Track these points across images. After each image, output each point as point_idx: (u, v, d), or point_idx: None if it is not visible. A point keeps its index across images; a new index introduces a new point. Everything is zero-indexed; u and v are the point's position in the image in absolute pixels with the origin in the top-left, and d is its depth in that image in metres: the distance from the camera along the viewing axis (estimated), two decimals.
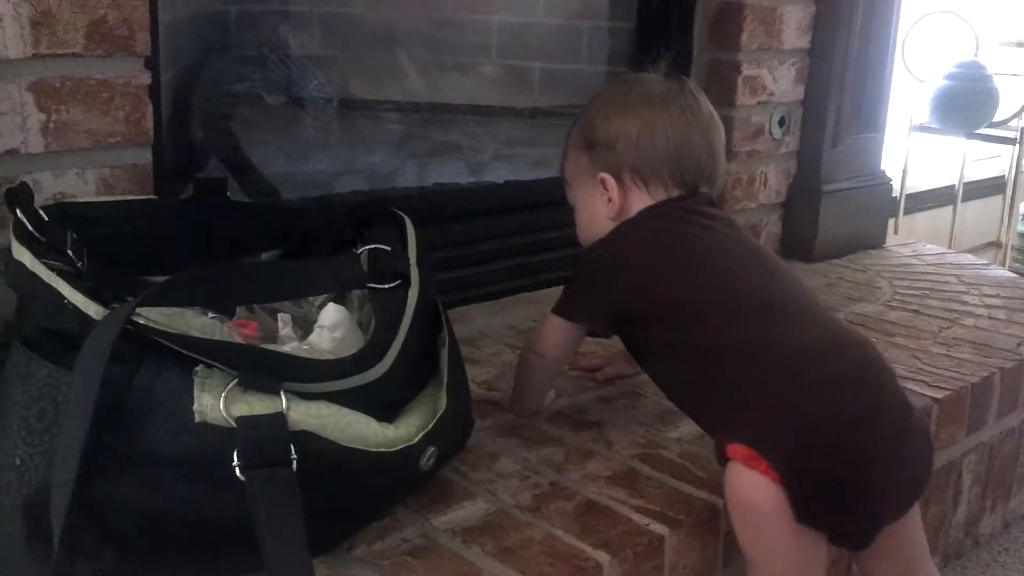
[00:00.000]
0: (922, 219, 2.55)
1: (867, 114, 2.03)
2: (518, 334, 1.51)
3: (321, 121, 1.59)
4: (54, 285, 0.85)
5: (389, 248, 1.01)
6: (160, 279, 1.07)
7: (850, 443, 0.95)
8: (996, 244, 2.70)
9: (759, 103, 1.87)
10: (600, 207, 1.14)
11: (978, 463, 1.44)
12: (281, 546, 0.79)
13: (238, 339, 0.92)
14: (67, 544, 0.77)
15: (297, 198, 1.42)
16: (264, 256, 1.15)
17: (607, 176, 1.12)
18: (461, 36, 1.82)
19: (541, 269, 1.70)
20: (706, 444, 1.17)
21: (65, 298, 0.84)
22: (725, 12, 1.82)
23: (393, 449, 0.86)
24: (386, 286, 0.97)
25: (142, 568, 0.85)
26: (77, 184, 1.12)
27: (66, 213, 1.01)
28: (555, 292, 1.68)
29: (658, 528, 1.00)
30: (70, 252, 0.93)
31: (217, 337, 0.89)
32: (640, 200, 1.12)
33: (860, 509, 0.96)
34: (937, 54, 2.42)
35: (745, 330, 1.01)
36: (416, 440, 0.88)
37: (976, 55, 2.41)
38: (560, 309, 1.13)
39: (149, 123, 1.16)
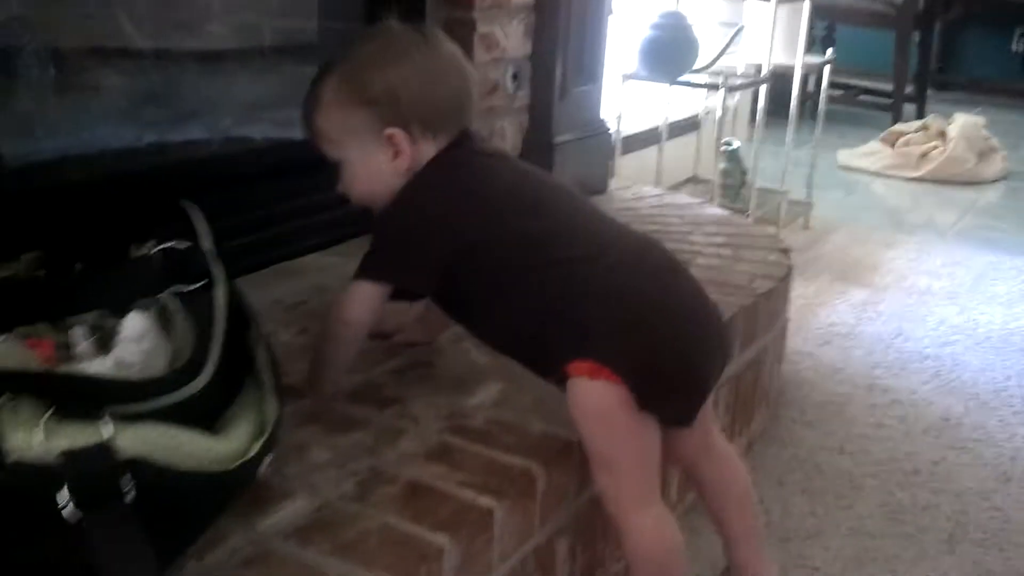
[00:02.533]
0: (630, 159, 2.71)
1: (588, 67, 2.12)
2: (287, 309, 1.46)
3: (39, 88, 1.42)
4: None
5: (185, 245, 0.94)
6: None
7: (678, 333, 1.08)
8: (694, 180, 2.92)
9: (493, 60, 1.89)
10: (383, 164, 1.13)
11: (728, 393, 1.57)
12: None
13: (36, 362, 0.83)
14: None
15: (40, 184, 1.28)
16: (23, 258, 1.03)
17: (396, 131, 1.11)
18: None
19: (295, 237, 1.64)
20: (507, 407, 1.20)
21: None
22: None
23: (233, 466, 0.82)
24: (190, 287, 0.91)
25: None
26: None
27: None
28: (316, 259, 1.67)
29: (485, 501, 1.02)
30: None
31: (17, 361, 0.79)
32: (427, 149, 1.13)
33: (690, 390, 1.10)
34: (643, 4, 2.56)
35: (570, 250, 1.09)
36: (254, 453, 0.84)
37: (677, 5, 2.57)
38: (371, 272, 1.11)
39: None
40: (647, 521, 1.09)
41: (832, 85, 4.69)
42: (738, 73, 2.70)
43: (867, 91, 5.05)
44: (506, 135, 1.97)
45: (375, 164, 1.13)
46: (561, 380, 1.07)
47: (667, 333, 1.07)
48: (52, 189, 1.32)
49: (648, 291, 1.09)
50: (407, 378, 1.27)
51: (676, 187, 2.77)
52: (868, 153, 3.97)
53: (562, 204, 1.15)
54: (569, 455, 1.14)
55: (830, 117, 3.16)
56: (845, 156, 3.98)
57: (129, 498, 0.75)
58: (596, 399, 1.05)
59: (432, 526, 0.96)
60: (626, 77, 2.51)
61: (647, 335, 1.06)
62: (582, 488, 1.17)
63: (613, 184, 2.31)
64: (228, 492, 0.85)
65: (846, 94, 4.99)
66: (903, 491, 1.60)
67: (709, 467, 1.22)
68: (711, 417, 1.22)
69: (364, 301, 1.12)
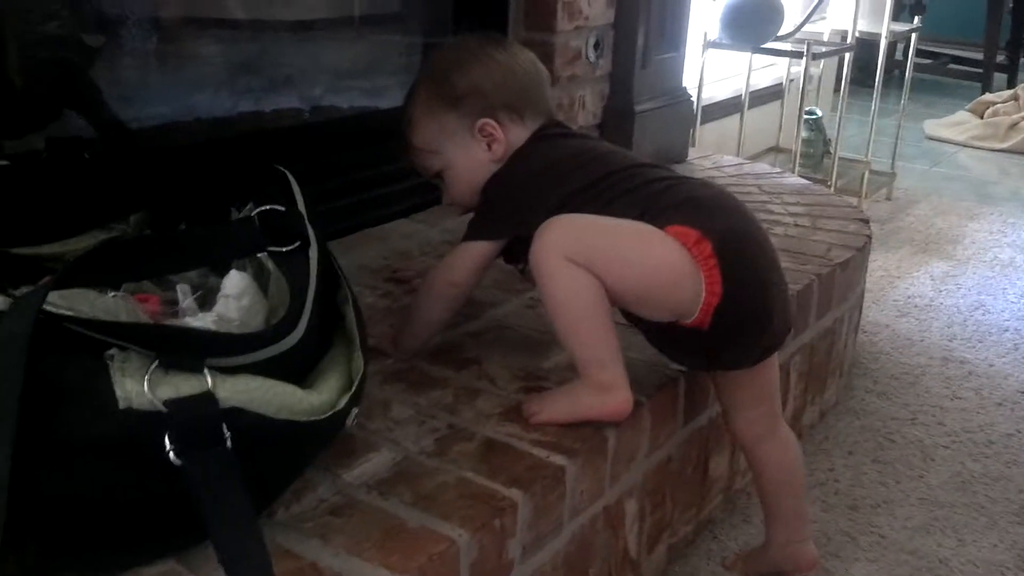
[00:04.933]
0: (711, 128, 2.71)
1: (670, 35, 2.13)
2: (372, 273, 1.52)
3: (145, 61, 1.50)
4: None
5: (283, 208, 0.99)
6: (25, 251, 1.03)
7: (761, 264, 1.11)
8: (776, 149, 2.91)
9: (576, 28, 1.91)
10: (481, 155, 1.20)
11: (802, 362, 1.59)
12: (230, 526, 0.80)
13: (144, 316, 0.89)
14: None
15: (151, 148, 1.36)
16: (132, 219, 1.10)
17: (486, 120, 1.19)
18: None
19: (382, 204, 1.70)
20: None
21: None
22: None
23: (324, 416, 0.87)
24: (286, 248, 0.96)
25: (70, 559, 0.83)
26: None
27: None
28: (400, 225, 1.73)
29: (558, 459, 1.06)
30: None
31: (124, 317, 0.86)
32: (519, 132, 1.21)
33: (758, 323, 1.10)
34: None
35: (672, 179, 1.17)
36: (343, 405, 0.89)
37: None
38: (479, 233, 1.18)
39: None
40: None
41: (921, 54, 4.60)
42: (823, 41, 2.67)
43: (957, 60, 4.93)
44: (586, 103, 2.00)
45: (474, 158, 1.21)
46: None
47: (757, 258, 1.10)
48: (156, 153, 1.40)
49: (744, 218, 1.14)
50: (485, 340, 1.32)
51: (757, 156, 2.77)
52: (955, 123, 3.89)
53: (656, 167, 1.21)
54: (640, 418, 1.18)
55: (919, 87, 3.11)
56: (932, 126, 3.91)
57: (227, 444, 0.81)
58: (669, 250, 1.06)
59: (507, 482, 1.01)
60: (708, 45, 2.51)
61: (740, 241, 1.09)
62: (652, 450, 1.22)
63: (693, 153, 2.32)
64: (317, 442, 0.91)
65: (935, 63, 4.88)
66: (975, 462, 1.61)
67: (772, 448, 1.22)
68: (778, 399, 1.23)
69: (471, 261, 1.18)
